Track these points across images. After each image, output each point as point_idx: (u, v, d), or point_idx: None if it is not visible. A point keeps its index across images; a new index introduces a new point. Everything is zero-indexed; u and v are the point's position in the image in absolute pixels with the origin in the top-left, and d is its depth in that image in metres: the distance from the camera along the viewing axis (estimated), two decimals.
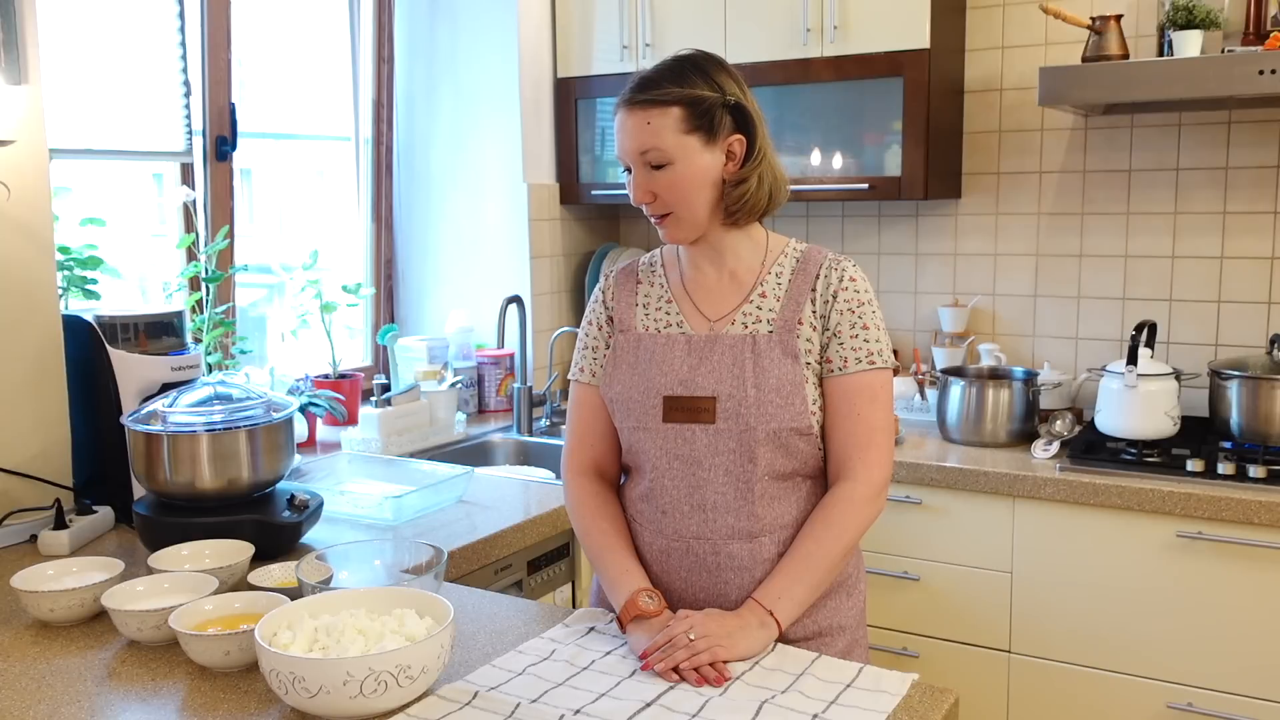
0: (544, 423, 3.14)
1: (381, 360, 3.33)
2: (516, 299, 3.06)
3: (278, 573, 1.71)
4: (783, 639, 1.50)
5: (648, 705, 1.31)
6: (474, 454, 2.92)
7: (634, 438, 1.60)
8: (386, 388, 2.95)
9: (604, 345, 1.67)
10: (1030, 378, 2.79)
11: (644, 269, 1.69)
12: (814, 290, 1.57)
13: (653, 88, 1.52)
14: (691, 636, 1.39)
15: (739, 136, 1.54)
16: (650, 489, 1.59)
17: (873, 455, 1.54)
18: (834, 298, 1.56)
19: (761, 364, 1.54)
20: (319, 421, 2.84)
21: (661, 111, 1.50)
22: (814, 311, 1.56)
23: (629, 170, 1.56)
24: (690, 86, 1.51)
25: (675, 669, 1.37)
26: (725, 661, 1.39)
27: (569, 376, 1.73)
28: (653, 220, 1.58)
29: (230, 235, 2.83)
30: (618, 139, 1.55)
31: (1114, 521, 2.42)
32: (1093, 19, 2.61)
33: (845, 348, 1.55)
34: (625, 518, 1.65)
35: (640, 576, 1.56)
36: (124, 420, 1.90)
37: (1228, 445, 2.54)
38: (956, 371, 2.89)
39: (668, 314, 1.62)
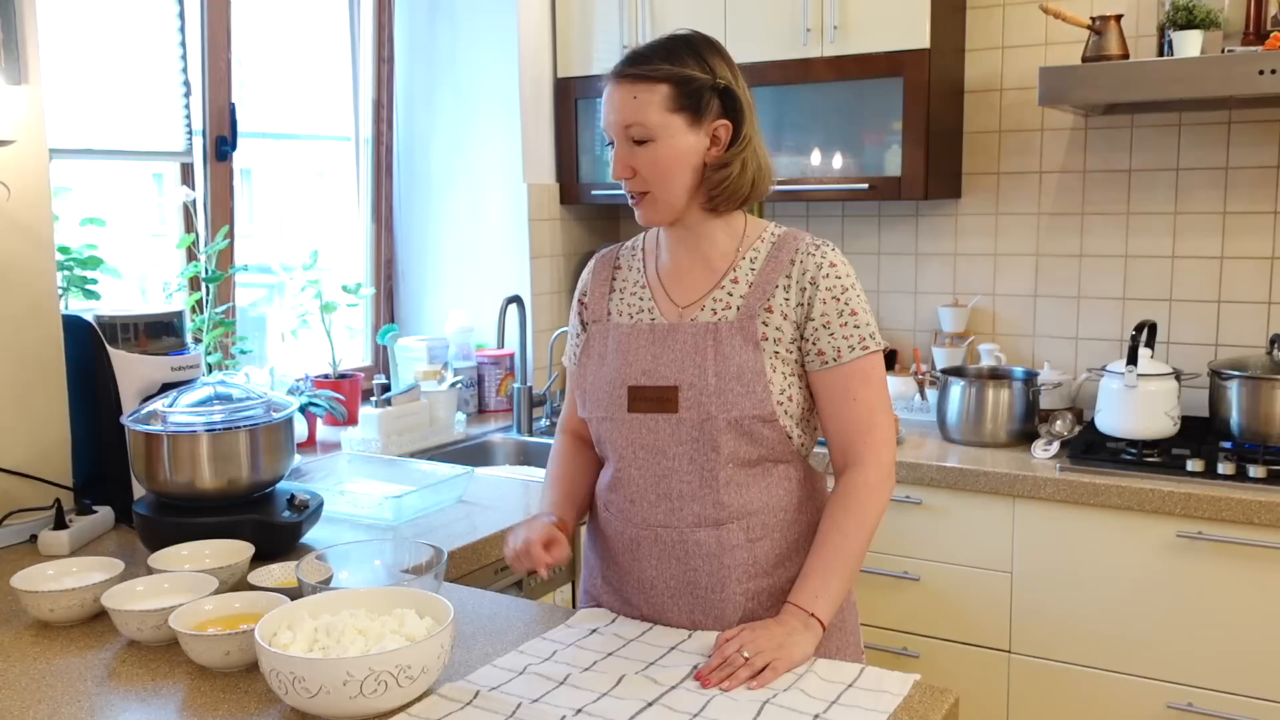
0: (544, 423, 3.13)
1: (381, 360, 3.33)
2: (516, 299, 3.06)
3: (278, 573, 1.71)
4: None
5: (649, 705, 1.31)
6: (474, 454, 2.92)
7: (601, 428, 1.60)
8: (386, 388, 2.95)
9: (578, 333, 1.70)
10: (1030, 378, 2.79)
11: (625, 254, 1.70)
12: (789, 276, 1.54)
13: (643, 62, 1.51)
14: (746, 655, 1.38)
15: (725, 122, 1.52)
16: (617, 478, 1.60)
17: (876, 437, 1.53)
18: (814, 285, 1.53)
19: (723, 351, 1.52)
20: (319, 421, 2.83)
21: (649, 87, 1.49)
22: (787, 299, 1.54)
23: (612, 144, 1.55)
24: (681, 65, 1.50)
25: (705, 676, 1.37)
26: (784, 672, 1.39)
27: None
28: (630, 199, 1.57)
29: (230, 235, 2.82)
30: (604, 111, 1.55)
31: (1114, 521, 2.42)
32: (1093, 19, 2.61)
33: (836, 337, 1.53)
34: (591, 475, 1.69)
35: (561, 512, 1.63)
36: (124, 420, 1.90)
37: (1228, 445, 2.54)
38: (956, 371, 2.89)
39: (640, 300, 1.62)
